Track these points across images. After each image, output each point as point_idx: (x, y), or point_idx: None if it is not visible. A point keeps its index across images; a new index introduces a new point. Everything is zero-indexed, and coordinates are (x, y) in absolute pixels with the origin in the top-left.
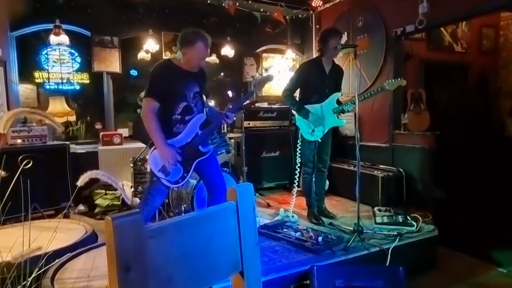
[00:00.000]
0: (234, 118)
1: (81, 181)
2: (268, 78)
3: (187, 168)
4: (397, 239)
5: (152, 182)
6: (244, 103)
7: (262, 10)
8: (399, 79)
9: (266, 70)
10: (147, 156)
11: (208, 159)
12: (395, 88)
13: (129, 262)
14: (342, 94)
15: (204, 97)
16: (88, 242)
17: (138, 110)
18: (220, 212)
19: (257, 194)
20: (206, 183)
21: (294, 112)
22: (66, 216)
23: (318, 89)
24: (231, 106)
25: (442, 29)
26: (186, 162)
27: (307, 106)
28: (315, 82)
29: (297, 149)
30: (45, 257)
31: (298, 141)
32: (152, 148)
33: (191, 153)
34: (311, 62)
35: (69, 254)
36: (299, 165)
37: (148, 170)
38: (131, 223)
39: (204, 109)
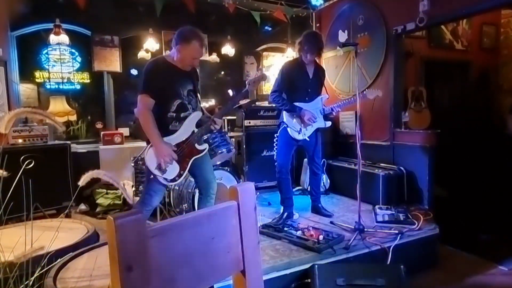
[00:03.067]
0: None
1: (83, 181)
2: (262, 78)
3: (184, 166)
4: (398, 238)
5: (149, 181)
6: (238, 104)
7: (262, 8)
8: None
9: (260, 69)
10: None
11: (203, 158)
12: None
13: (131, 261)
14: (328, 97)
15: (199, 96)
16: (90, 242)
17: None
18: (221, 212)
19: (258, 193)
20: (200, 183)
21: (285, 111)
22: (68, 216)
23: (301, 90)
24: (219, 111)
25: (442, 27)
26: (183, 159)
27: (298, 104)
28: (298, 82)
29: (274, 144)
30: (47, 257)
31: (275, 136)
32: (148, 145)
33: (187, 151)
34: (293, 62)
35: (71, 253)
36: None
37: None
38: (133, 223)
39: (199, 107)
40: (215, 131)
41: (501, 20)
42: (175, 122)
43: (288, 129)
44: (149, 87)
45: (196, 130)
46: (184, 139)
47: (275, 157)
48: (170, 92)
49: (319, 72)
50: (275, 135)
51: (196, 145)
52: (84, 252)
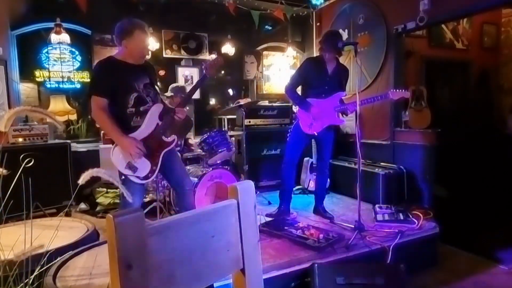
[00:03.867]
0: (186, 111)
1: (82, 179)
2: (218, 61)
3: (155, 160)
4: (398, 237)
5: (122, 183)
6: (194, 93)
7: (262, 8)
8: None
9: (215, 53)
10: None
11: (172, 156)
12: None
13: (130, 260)
14: (346, 94)
15: (157, 88)
16: (90, 240)
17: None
18: (221, 210)
19: (258, 192)
20: (172, 181)
21: (296, 105)
22: (68, 215)
23: (318, 87)
24: (181, 100)
25: (443, 26)
26: (153, 154)
27: (310, 100)
28: (316, 79)
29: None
30: (47, 255)
31: (289, 130)
32: (114, 145)
33: (156, 145)
34: (313, 59)
35: (71, 252)
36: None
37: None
38: (133, 221)
39: (159, 98)
40: (179, 120)
41: (502, 19)
42: (135, 117)
43: (300, 122)
44: (97, 87)
45: (160, 122)
46: (149, 133)
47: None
48: (123, 88)
49: (340, 71)
50: (289, 129)
51: (164, 137)
52: (84, 250)
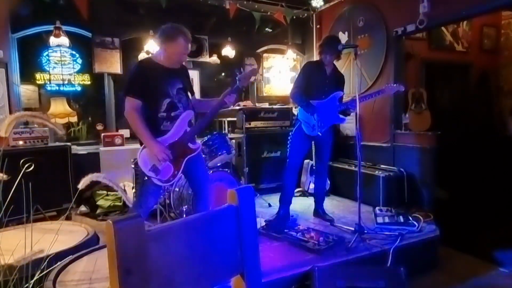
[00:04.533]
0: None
1: (82, 184)
2: (253, 73)
3: (178, 166)
4: (399, 240)
5: (143, 183)
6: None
7: (262, 10)
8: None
9: (251, 65)
10: None
11: (196, 159)
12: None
13: (130, 265)
14: (344, 93)
15: (190, 94)
16: (90, 244)
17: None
18: (221, 215)
19: (258, 194)
20: (193, 183)
21: (304, 110)
22: (68, 218)
23: (318, 89)
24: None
25: (443, 28)
26: (176, 159)
27: (312, 102)
28: (316, 81)
29: (288, 141)
30: (47, 260)
31: (291, 134)
32: (141, 147)
33: (181, 151)
34: (313, 63)
35: (70, 256)
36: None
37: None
38: (132, 227)
39: (190, 105)
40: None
41: (502, 22)
42: (166, 122)
43: (303, 125)
44: (133, 88)
45: (188, 129)
46: (176, 139)
47: (287, 154)
48: (158, 92)
49: (337, 76)
50: (290, 133)
51: (189, 144)
52: (84, 255)
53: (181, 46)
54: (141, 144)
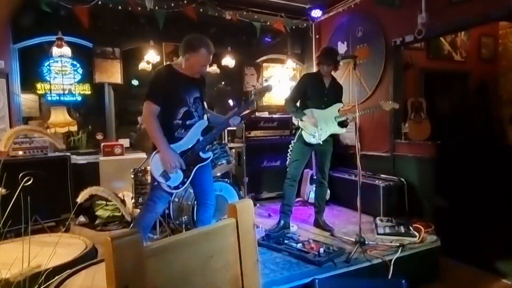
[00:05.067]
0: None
1: (81, 198)
2: (268, 88)
3: (188, 174)
4: (400, 250)
5: (153, 188)
6: (244, 112)
7: (262, 20)
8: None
9: (266, 80)
10: (148, 167)
11: (205, 168)
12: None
13: (128, 282)
14: (343, 105)
15: (205, 104)
16: (88, 258)
17: (139, 118)
18: (220, 229)
19: (258, 204)
20: (199, 191)
21: (294, 116)
22: (67, 229)
23: (317, 98)
24: (232, 113)
25: (441, 38)
26: (187, 167)
27: (312, 109)
28: (314, 92)
29: (289, 151)
30: (45, 274)
31: (292, 142)
32: (155, 152)
33: (192, 159)
34: (311, 74)
35: (68, 270)
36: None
37: (149, 175)
38: (131, 243)
39: (205, 115)
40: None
41: (499, 32)
42: (180, 129)
43: (303, 133)
44: (153, 93)
45: (201, 138)
46: (189, 147)
47: (287, 163)
48: (176, 99)
49: (335, 86)
50: (291, 142)
51: (201, 153)
52: (82, 269)
53: (203, 57)
54: (154, 148)
